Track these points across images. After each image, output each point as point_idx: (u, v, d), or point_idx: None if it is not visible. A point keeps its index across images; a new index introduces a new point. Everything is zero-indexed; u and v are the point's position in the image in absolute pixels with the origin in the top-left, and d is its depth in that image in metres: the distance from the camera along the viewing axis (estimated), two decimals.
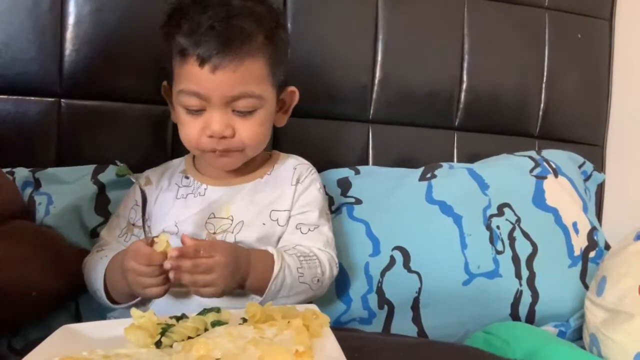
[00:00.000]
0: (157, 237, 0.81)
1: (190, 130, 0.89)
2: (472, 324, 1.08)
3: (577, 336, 1.12)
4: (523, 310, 1.12)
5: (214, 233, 0.91)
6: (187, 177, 0.97)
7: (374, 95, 1.32)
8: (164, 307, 0.84)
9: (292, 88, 0.99)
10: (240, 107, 0.88)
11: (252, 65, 0.86)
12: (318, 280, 0.91)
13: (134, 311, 0.69)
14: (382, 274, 1.09)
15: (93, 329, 0.72)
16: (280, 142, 1.23)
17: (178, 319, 0.70)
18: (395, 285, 1.09)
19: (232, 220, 0.91)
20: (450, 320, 1.09)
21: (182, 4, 0.88)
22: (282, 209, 0.94)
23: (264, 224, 0.92)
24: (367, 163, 1.32)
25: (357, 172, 1.24)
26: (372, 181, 1.22)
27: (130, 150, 1.16)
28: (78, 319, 0.98)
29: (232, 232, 0.91)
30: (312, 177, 0.99)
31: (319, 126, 1.28)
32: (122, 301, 0.88)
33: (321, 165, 1.21)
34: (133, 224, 0.93)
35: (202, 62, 0.83)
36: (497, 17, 1.40)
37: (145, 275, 0.79)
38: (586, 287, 1.15)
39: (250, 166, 0.98)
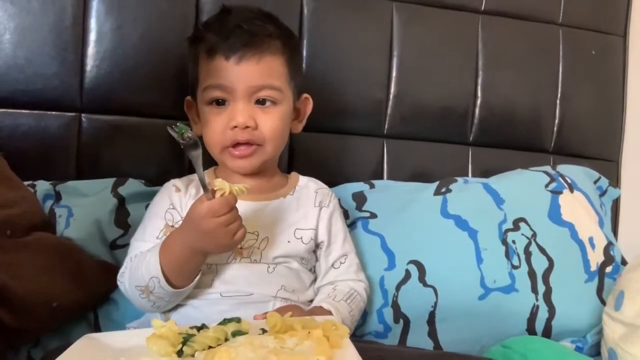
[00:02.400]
0: (216, 188, 0.81)
1: (215, 125, 0.93)
2: (488, 339, 1.08)
3: (595, 352, 1.11)
4: (539, 325, 1.11)
5: (241, 248, 0.92)
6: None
7: (389, 111, 1.33)
8: (182, 318, 0.85)
9: (306, 95, 1.04)
10: (263, 97, 0.93)
11: (273, 61, 0.93)
12: (362, 310, 1.01)
13: (155, 321, 0.70)
14: (398, 287, 1.09)
15: (115, 338, 0.73)
16: (296, 156, 1.24)
17: (199, 328, 0.71)
18: (410, 299, 1.09)
19: (257, 236, 0.93)
20: (466, 335, 1.09)
21: (210, 17, 0.98)
22: (306, 227, 0.98)
23: (288, 241, 0.95)
24: (381, 178, 1.33)
25: (372, 186, 1.25)
26: (387, 195, 1.23)
27: (149, 165, 1.18)
28: (97, 329, 0.99)
29: (259, 248, 0.93)
30: (334, 201, 1.04)
31: (334, 141, 1.30)
32: (184, 283, 0.86)
33: (336, 179, 1.23)
34: (172, 226, 0.93)
35: (228, 55, 0.90)
36: (511, 34, 1.41)
37: (232, 221, 0.82)
38: (603, 302, 1.14)
39: (272, 185, 1.01)
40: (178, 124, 0.81)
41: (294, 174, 1.06)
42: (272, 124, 0.94)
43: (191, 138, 0.80)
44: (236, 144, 0.94)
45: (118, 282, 0.91)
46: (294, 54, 1.00)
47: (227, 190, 0.80)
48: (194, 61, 0.97)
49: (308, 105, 1.05)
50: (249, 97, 0.92)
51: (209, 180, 0.89)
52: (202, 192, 0.95)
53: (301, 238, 0.96)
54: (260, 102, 0.93)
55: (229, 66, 0.91)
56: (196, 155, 0.81)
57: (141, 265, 0.86)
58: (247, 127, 0.92)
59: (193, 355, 0.65)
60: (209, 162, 1.00)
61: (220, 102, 0.93)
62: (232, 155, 0.94)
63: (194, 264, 0.86)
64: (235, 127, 0.91)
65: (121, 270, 0.91)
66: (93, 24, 1.13)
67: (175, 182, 0.99)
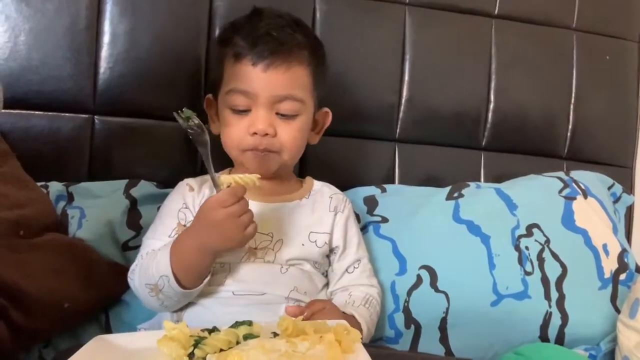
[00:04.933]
0: (223, 185, 0.82)
1: (235, 129, 0.94)
2: (500, 346, 1.07)
3: None
4: (552, 332, 1.10)
5: (255, 248, 0.93)
6: None
7: (401, 115, 1.32)
8: (194, 319, 0.85)
9: (326, 109, 1.05)
10: (284, 110, 0.93)
11: (299, 71, 0.94)
12: (379, 314, 1.01)
13: (167, 323, 0.70)
14: (409, 293, 1.09)
15: (126, 340, 0.73)
16: (308, 160, 1.23)
17: (210, 331, 0.71)
18: (422, 304, 1.08)
19: (272, 237, 0.94)
20: (478, 341, 1.08)
21: (240, 17, 0.98)
22: (320, 231, 0.98)
23: (303, 244, 0.96)
24: (393, 182, 1.32)
25: (384, 191, 1.25)
26: (399, 200, 1.22)
27: (161, 166, 1.18)
28: (108, 331, 0.99)
29: (273, 250, 0.93)
30: (349, 206, 1.05)
31: (346, 144, 1.29)
32: (193, 284, 0.86)
33: (347, 183, 1.23)
34: (184, 225, 0.93)
35: (255, 61, 0.90)
36: (525, 38, 1.40)
37: (242, 212, 0.82)
38: (617, 310, 1.13)
39: (287, 188, 1.02)
40: (184, 109, 0.81)
41: (308, 179, 1.07)
42: (291, 134, 0.94)
43: (198, 126, 0.80)
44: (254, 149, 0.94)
45: (128, 279, 0.91)
46: (320, 64, 1.00)
47: (232, 182, 0.81)
48: (219, 62, 0.97)
49: (327, 119, 1.06)
50: (271, 106, 0.92)
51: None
52: (215, 192, 0.96)
53: (315, 242, 0.97)
54: (281, 114, 0.94)
55: (255, 72, 0.91)
56: (204, 142, 0.81)
57: (152, 264, 0.86)
58: (266, 134, 0.92)
59: (204, 358, 0.65)
60: (227, 160, 1.01)
61: (242, 111, 0.93)
62: (251, 157, 0.95)
63: (203, 264, 0.85)
64: (255, 133, 0.92)
65: (132, 268, 0.91)
66: (107, 26, 1.14)
67: (189, 181, 0.99)
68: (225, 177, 0.82)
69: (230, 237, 0.83)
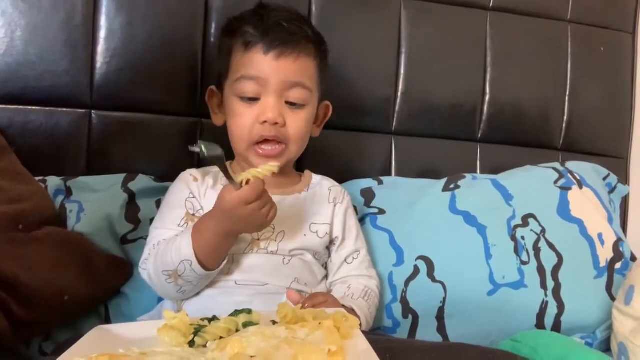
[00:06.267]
0: (241, 180, 0.81)
1: (244, 118, 0.94)
2: (497, 335, 1.08)
3: (604, 348, 1.10)
4: (549, 321, 1.11)
5: (258, 239, 0.94)
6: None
7: (397, 108, 1.33)
8: (195, 308, 0.86)
9: (327, 102, 1.06)
10: (294, 98, 0.94)
11: (308, 62, 0.96)
12: (377, 306, 1.02)
13: (167, 312, 0.70)
14: (407, 283, 1.10)
15: (126, 329, 0.73)
16: (305, 153, 1.22)
17: (209, 320, 0.71)
18: (419, 295, 1.09)
19: (273, 229, 0.94)
20: (475, 330, 1.09)
21: (245, 11, 0.99)
22: (321, 222, 1.00)
23: (305, 235, 0.97)
24: (390, 174, 1.33)
25: (381, 183, 1.25)
26: (396, 192, 1.23)
27: (158, 161, 1.18)
28: (108, 323, 0.98)
29: (275, 240, 0.94)
30: (348, 198, 1.06)
31: (342, 138, 1.30)
32: (215, 265, 0.87)
33: (345, 176, 1.24)
34: (193, 214, 0.94)
35: (267, 50, 0.92)
36: (520, 30, 1.41)
37: (265, 203, 0.84)
38: (612, 298, 1.14)
39: (287, 181, 1.03)
40: (200, 143, 0.78)
41: (307, 172, 1.08)
42: (298, 125, 0.96)
43: (213, 156, 0.78)
44: (262, 141, 0.95)
45: (140, 269, 0.92)
46: (324, 60, 1.02)
47: (251, 177, 0.81)
48: (227, 52, 0.98)
49: (328, 112, 1.07)
50: (280, 94, 0.93)
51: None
52: (219, 184, 0.95)
53: (317, 232, 0.98)
54: (290, 103, 0.95)
55: (266, 60, 0.92)
56: (221, 164, 0.80)
57: (170, 250, 0.86)
58: (275, 123, 0.93)
59: (205, 346, 0.65)
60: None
61: (251, 99, 0.94)
62: (258, 154, 0.95)
63: (227, 244, 0.88)
64: (265, 122, 0.93)
65: (143, 258, 0.92)
66: (103, 21, 1.14)
67: (192, 171, 1.00)
68: (244, 174, 0.81)
69: (256, 225, 0.86)
